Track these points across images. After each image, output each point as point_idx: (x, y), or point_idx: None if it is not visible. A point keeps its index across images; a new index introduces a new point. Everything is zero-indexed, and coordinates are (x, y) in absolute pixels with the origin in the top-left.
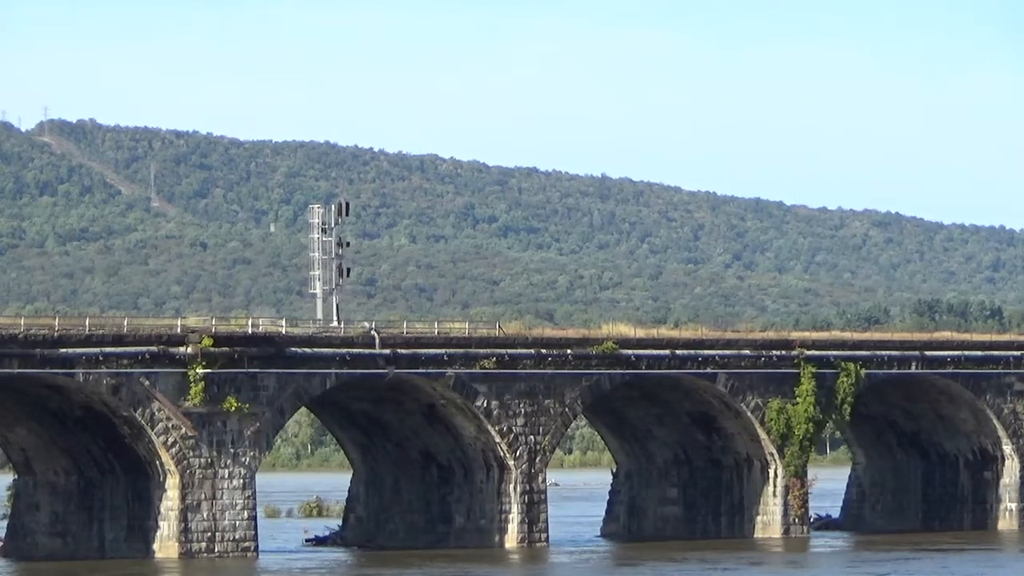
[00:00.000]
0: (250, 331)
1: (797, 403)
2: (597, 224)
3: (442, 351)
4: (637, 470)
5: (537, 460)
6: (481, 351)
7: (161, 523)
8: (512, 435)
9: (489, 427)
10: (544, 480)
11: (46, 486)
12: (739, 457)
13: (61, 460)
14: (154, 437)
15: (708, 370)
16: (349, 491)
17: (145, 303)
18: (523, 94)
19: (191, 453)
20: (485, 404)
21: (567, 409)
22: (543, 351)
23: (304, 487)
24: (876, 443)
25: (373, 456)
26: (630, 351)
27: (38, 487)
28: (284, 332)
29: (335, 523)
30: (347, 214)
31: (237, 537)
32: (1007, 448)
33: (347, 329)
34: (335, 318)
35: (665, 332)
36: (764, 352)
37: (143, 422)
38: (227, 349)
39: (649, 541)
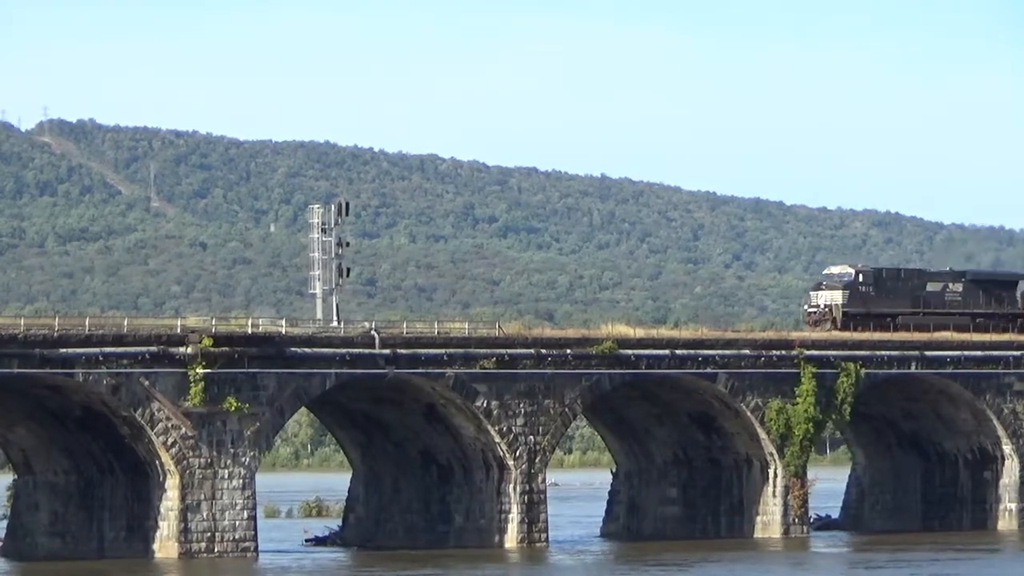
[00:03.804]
0: (250, 331)
1: (797, 403)
2: (597, 224)
3: (442, 351)
4: (637, 470)
5: (537, 460)
6: (481, 351)
7: (161, 523)
8: (512, 435)
9: (489, 427)
10: (544, 480)
11: (46, 486)
12: (739, 457)
13: (61, 460)
14: (154, 437)
15: (708, 370)
16: (349, 491)
17: (145, 303)
18: (523, 94)
19: (191, 453)
20: (485, 404)
21: (567, 409)
22: (543, 351)
23: (304, 487)
24: (876, 443)
25: (373, 456)
26: (630, 351)
27: (38, 487)
28: (284, 332)
29: (335, 523)
30: (347, 214)
31: (237, 537)
32: (1007, 448)
33: (347, 329)
34: (335, 318)
35: (665, 332)
36: (764, 352)
37: (143, 422)
38: (227, 349)
39: (649, 541)
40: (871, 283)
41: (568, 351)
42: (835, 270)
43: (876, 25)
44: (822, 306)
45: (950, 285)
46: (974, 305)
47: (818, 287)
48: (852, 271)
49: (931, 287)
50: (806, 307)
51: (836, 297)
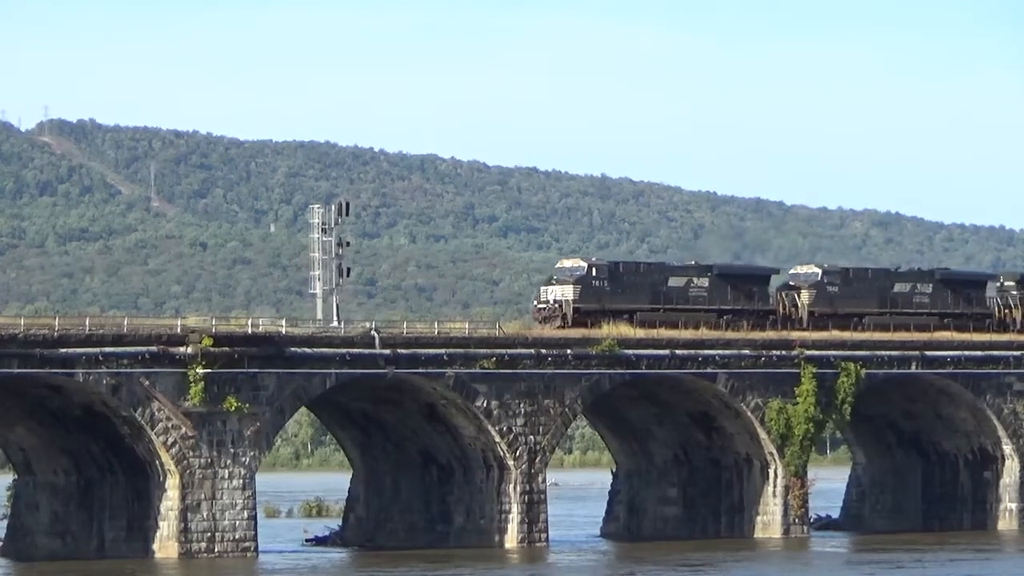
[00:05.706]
0: (250, 331)
1: (797, 403)
2: (597, 224)
3: (442, 351)
4: (637, 470)
5: (537, 460)
6: (481, 351)
7: (161, 523)
8: (512, 435)
9: (489, 427)
10: (544, 480)
11: (46, 486)
12: (739, 457)
13: (61, 460)
14: (154, 437)
15: (708, 370)
16: (349, 491)
17: (145, 303)
18: (523, 94)
19: (191, 453)
20: (485, 404)
21: (567, 409)
22: (543, 351)
23: (304, 487)
24: (876, 443)
25: (373, 456)
26: (630, 351)
27: (38, 487)
28: (284, 332)
29: (335, 523)
30: (347, 214)
31: (237, 537)
32: (1007, 448)
33: (347, 329)
34: (335, 318)
35: (665, 332)
36: (764, 352)
37: (143, 422)
38: (227, 349)
39: (649, 541)
40: (605, 277)
41: (568, 351)
42: (567, 264)
43: (876, 25)
44: (551, 302)
45: (695, 280)
46: (721, 301)
47: (549, 282)
48: (584, 265)
49: (673, 282)
50: (535, 303)
51: (567, 292)
